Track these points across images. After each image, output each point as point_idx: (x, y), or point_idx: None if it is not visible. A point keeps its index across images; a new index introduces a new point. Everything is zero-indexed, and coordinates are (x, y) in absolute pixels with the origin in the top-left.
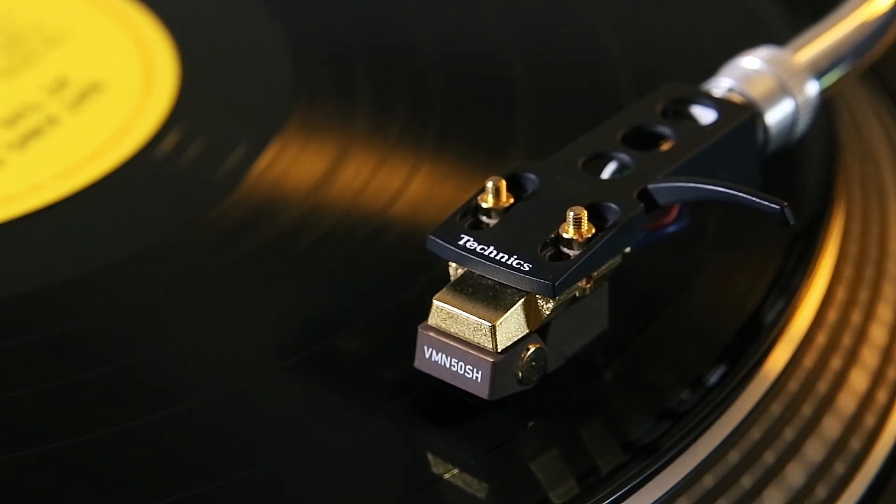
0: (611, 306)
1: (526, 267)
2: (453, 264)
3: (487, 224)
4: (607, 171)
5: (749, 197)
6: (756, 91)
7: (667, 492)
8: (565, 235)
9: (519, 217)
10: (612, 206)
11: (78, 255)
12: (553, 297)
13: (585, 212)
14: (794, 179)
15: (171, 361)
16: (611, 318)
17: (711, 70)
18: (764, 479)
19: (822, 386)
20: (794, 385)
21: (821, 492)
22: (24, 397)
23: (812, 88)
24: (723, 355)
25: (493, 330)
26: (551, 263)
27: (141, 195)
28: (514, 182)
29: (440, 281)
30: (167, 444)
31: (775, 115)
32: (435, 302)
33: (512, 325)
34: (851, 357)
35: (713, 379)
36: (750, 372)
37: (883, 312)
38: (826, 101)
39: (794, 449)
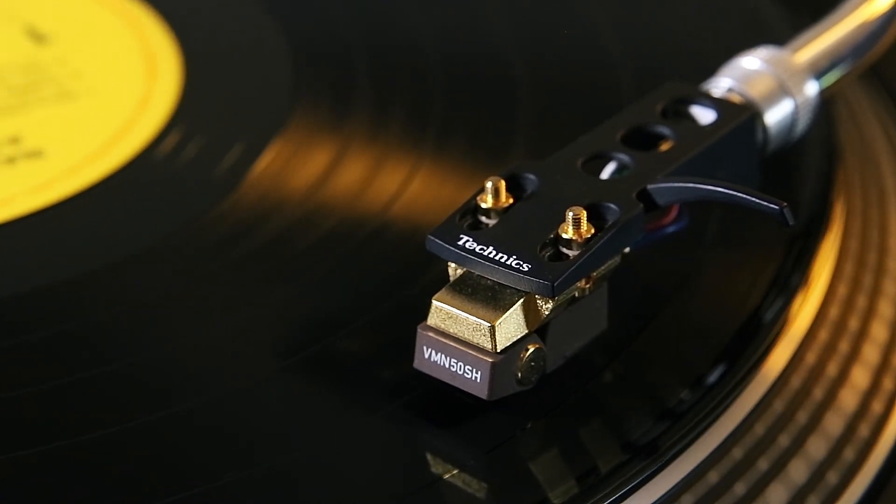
0: (610, 306)
1: (525, 267)
2: (452, 264)
3: (487, 224)
4: (607, 172)
5: (748, 197)
6: (756, 91)
7: (666, 492)
8: (564, 236)
9: (518, 217)
10: (612, 206)
11: (78, 255)
12: (552, 298)
13: (585, 212)
14: (794, 179)
15: (171, 361)
16: (611, 318)
17: (711, 70)
18: (764, 478)
19: (822, 386)
20: (793, 385)
21: (821, 490)
22: (24, 397)
23: (812, 88)
24: (722, 355)
25: (492, 330)
26: (550, 264)
27: (141, 195)
28: (514, 182)
29: (440, 281)
30: (167, 444)
31: (775, 116)
32: (434, 302)
33: (511, 326)
34: (851, 357)
35: (713, 379)
36: (749, 371)
37: (883, 309)
38: (826, 101)
39: (794, 448)
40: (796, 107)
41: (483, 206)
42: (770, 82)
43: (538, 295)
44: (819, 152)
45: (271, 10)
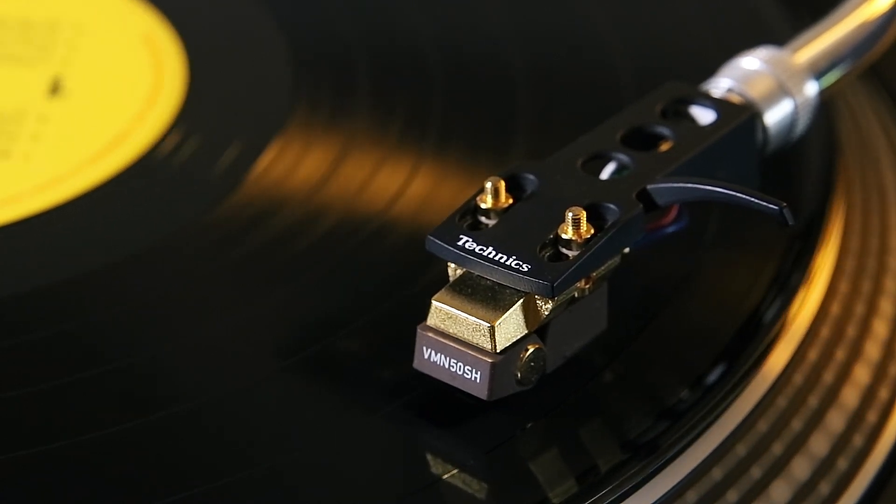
0: (610, 306)
1: (525, 267)
2: (452, 265)
3: (486, 225)
4: (607, 172)
5: (748, 197)
6: (755, 91)
7: (666, 491)
8: (564, 236)
9: (518, 217)
10: (612, 206)
11: (78, 255)
12: (552, 298)
13: (584, 212)
14: (794, 179)
15: (171, 361)
16: (611, 318)
17: (711, 70)
18: (766, 476)
19: (822, 386)
20: (793, 385)
21: (824, 487)
22: (24, 397)
23: (811, 89)
24: (722, 355)
25: (492, 330)
26: (550, 264)
27: (141, 195)
28: (514, 182)
29: (439, 281)
30: (167, 444)
31: (774, 116)
32: (434, 302)
33: (511, 326)
34: (851, 356)
35: (713, 378)
36: (749, 371)
37: (883, 309)
38: (826, 102)
39: (796, 446)
40: (796, 107)
41: (483, 206)
42: (770, 82)
43: (538, 295)
44: (819, 152)
45: (272, 10)
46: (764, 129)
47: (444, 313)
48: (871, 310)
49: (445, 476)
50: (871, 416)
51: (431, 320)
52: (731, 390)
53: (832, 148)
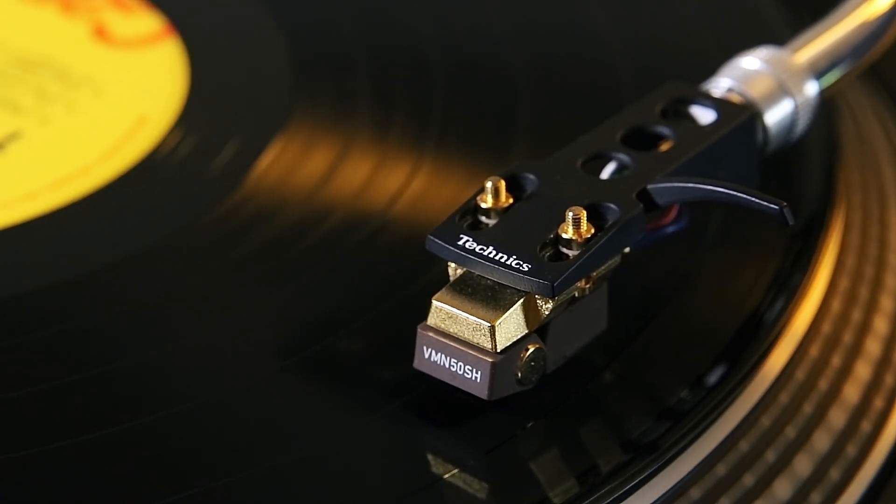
0: (610, 306)
1: (525, 267)
2: (452, 264)
3: (487, 224)
4: (607, 172)
5: (748, 197)
6: (755, 91)
7: (667, 491)
8: (564, 236)
9: (518, 217)
10: (612, 206)
11: (78, 256)
12: (552, 298)
13: (584, 212)
14: (794, 179)
15: (171, 361)
16: (611, 318)
17: (711, 70)
18: (765, 477)
19: (822, 386)
20: (793, 385)
21: (825, 489)
22: (24, 397)
23: (811, 88)
24: (723, 355)
25: (492, 330)
26: (550, 264)
27: (141, 195)
28: (514, 182)
29: (440, 281)
30: (167, 444)
31: (775, 116)
32: (434, 302)
33: (511, 326)
34: (851, 356)
35: (713, 379)
36: (750, 371)
37: (882, 312)
38: (826, 101)
39: (795, 447)
40: (796, 107)
41: (483, 206)
42: (770, 82)
43: (538, 295)
44: (819, 152)
45: (271, 9)
46: (764, 128)
47: (444, 313)
48: (872, 307)
49: (445, 476)
50: (874, 411)
51: (432, 320)
52: (733, 390)
53: (832, 148)
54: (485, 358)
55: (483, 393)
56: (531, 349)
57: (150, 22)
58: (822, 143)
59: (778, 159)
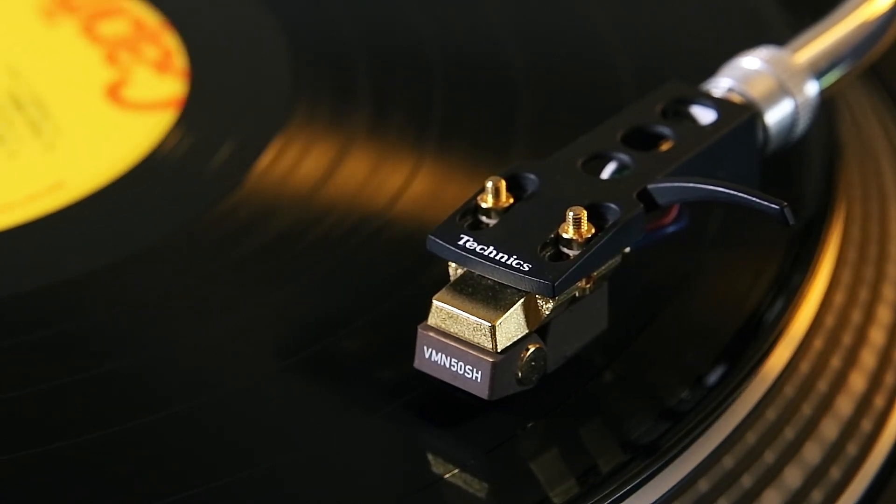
0: (611, 306)
1: (526, 267)
2: (453, 264)
3: (487, 224)
4: (607, 172)
5: (749, 197)
6: (756, 91)
7: (667, 491)
8: (565, 235)
9: (519, 217)
10: (612, 206)
11: (78, 256)
12: (553, 298)
13: (585, 212)
14: (794, 179)
15: (171, 361)
16: (611, 318)
17: (711, 70)
18: (764, 478)
19: (822, 386)
20: (793, 385)
21: (819, 493)
22: (24, 397)
23: (812, 88)
24: (722, 355)
25: (492, 330)
26: (551, 263)
27: (141, 195)
28: (514, 182)
29: (440, 281)
30: (167, 444)
31: (775, 116)
32: (435, 302)
33: (512, 325)
34: (851, 357)
35: (713, 379)
36: (750, 372)
37: (882, 314)
38: (826, 101)
39: (794, 449)
40: (796, 107)
41: (483, 205)
42: (770, 82)
43: (539, 295)
44: (819, 152)
45: (271, 9)
46: (764, 128)
47: (444, 313)
48: (869, 316)
49: (446, 476)
50: (875, 410)
51: (432, 320)
52: (733, 391)
53: (832, 148)
54: (485, 358)
55: (483, 393)
56: (532, 349)
57: (173, 87)
58: (822, 143)
59: (778, 159)
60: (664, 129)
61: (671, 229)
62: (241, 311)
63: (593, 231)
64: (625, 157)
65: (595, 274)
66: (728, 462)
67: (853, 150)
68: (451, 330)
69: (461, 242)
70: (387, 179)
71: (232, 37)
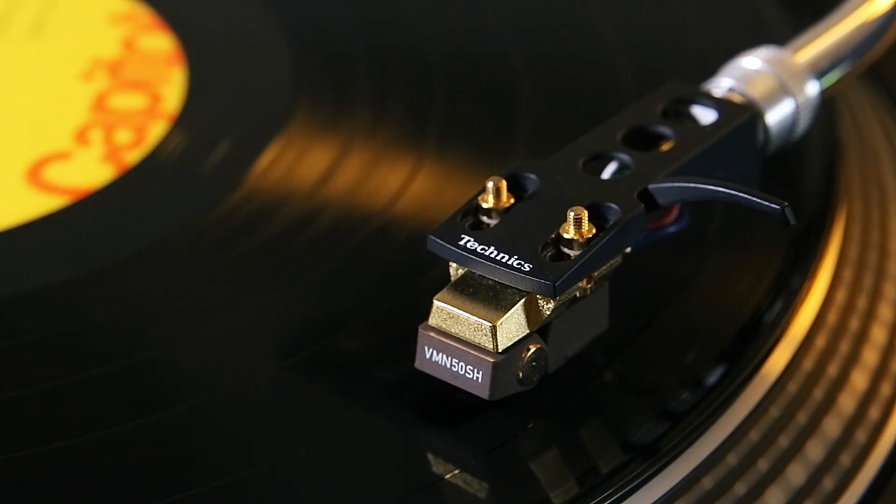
0: (611, 306)
1: (526, 267)
2: (454, 264)
3: (488, 224)
4: (607, 172)
5: (749, 197)
6: (756, 91)
7: (667, 492)
8: (566, 236)
9: (519, 217)
10: (613, 206)
11: (78, 256)
12: (554, 298)
13: (586, 212)
14: (795, 179)
15: (170, 361)
16: (611, 318)
17: (712, 70)
18: (764, 479)
19: (823, 386)
20: (793, 385)
21: (821, 492)
22: (24, 397)
23: (812, 88)
24: (723, 356)
25: (493, 330)
26: (552, 263)
27: (141, 195)
28: (515, 182)
29: (440, 281)
30: (167, 444)
31: (776, 115)
32: (435, 302)
33: (512, 326)
34: (853, 355)
35: (713, 379)
36: (750, 372)
37: (884, 311)
38: (826, 101)
39: (794, 450)
40: (797, 107)
41: (484, 206)
42: (771, 82)
43: (539, 295)
44: (820, 152)
45: (272, 10)
46: (765, 128)
47: (445, 313)
48: (870, 315)
49: (446, 476)
50: (871, 419)
51: (433, 320)
52: (734, 392)
53: (832, 148)
54: (486, 358)
55: (484, 393)
56: (532, 349)
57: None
58: (822, 144)
59: (778, 159)
60: (665, 129)
61: (672, 229)
62: (241, 311)
63: (594, 231)
64: (625, 157)
65: (596, 274)
66: (731, 460)
67: (853, 150)
68: (452, 330)
69: (462, 242)
70: (387, 179)
71: (232, 37)
